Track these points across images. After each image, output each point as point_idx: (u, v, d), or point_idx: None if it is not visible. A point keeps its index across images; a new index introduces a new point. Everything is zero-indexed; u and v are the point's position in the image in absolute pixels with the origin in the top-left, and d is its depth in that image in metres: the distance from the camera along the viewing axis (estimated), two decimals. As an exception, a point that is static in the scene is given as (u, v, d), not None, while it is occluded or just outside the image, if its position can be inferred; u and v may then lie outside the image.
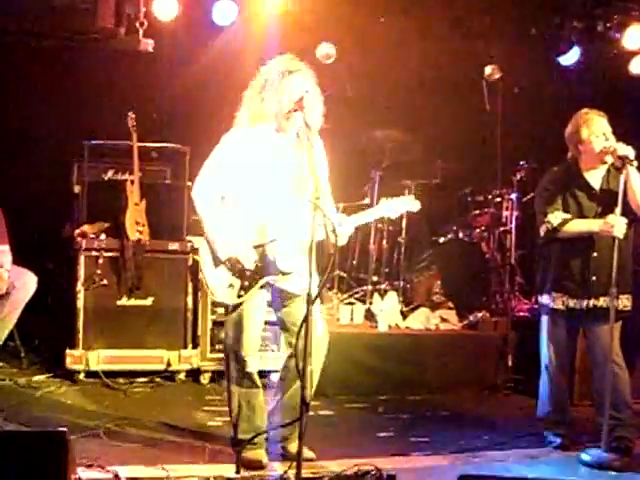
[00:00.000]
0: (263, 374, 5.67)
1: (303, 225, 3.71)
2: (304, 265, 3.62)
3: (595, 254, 4.40)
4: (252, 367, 4.03)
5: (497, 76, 6.88)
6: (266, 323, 4.75)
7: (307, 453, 3.92)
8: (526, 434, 4.77)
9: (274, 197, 3.88)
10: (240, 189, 3.89)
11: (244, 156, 3.89)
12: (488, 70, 6.87)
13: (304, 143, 3.70)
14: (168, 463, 4.04)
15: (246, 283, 3.88)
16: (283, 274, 3.89)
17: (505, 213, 6.70)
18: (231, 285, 3.90)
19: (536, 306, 6.32)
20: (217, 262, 3.91)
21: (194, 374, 5.62)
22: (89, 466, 3.83)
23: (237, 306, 3.93)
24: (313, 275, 3.55)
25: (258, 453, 4.02)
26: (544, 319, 4.61)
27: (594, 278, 4.39)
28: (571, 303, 4.45)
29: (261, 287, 3.93)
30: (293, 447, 3.99)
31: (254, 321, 3.99)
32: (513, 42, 6.86)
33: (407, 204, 4.04)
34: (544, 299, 4.57)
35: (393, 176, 6.65)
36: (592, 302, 4.41)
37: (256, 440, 4.01)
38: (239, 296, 3.91)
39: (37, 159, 6.47)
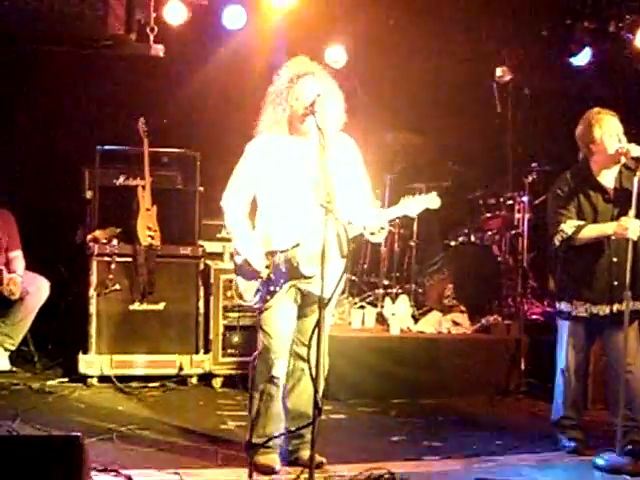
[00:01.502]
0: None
1: (325, 228, 3.68)
2: (328, 269, 3.63)
3: (615, 259, 4.36)
4: (278, 371, 4.00)
5: (508, 78, 6.86)
6: None
7: (317, 458, 3.80)
8: (540, 438, 4.75)
9: (297, 203, 3.91)
10: (265, 196, 3.96)
11: (267, 164, 3.95)
12: (499, 72, 6.85)
13: (320, 146, 3.69)
14: (181, 467, 4.05)
15: (272, 288, 3.93)
16: (305, 278, 3.91)
17: (517, 216, 6.67)
18: (258, 290, 3.97)
19: (549, 309, 6.34)
20: (242, 268, 4.00)
21: (206, 378, 5.63)
22: (103, 470, 3.84)
23: (263, 310, 3.97)
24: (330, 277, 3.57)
25: (271, 458, 4.01)
26: (563, 324, 4.55)
27: (616, 283, 4.35)
28: (594, 309, 4.40)
29: (287, 291, 3.95)
30: (304, 454, 3.98)
31: (282, 325, 3.98)
32: (524, 43, 6.84)
33: (429, 201, 4.06)
34: (564, 306, 4.51)
35: (404, 179, 6.64)
36: (615, 307, 4.37)
37: (270, 444, 3.99)
38: (266, 300, 3.95)
39: (49, 165, 6.51)
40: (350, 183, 3.98)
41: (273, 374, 3.98)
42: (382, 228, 3.98)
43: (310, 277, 3.88)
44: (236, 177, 4.03)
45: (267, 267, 3.94)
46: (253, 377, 4.08)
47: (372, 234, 3.94)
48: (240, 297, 4.09)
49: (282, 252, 3.92)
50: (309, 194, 3.86)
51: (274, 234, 3.94)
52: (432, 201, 4.07)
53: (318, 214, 3.69)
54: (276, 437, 4.01)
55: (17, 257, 5.84)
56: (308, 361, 3.71)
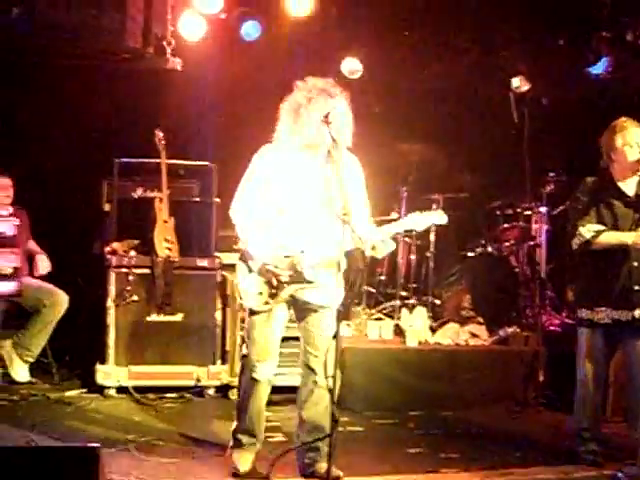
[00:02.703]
0: (290, 389, 5.71)
1: (331, 239, 3.86)
2: (329, 279, 3.87)
3: (635, 263, 4.33)
4: (260, 375, 4.09)
5: (525, 88, 6.85)
6: (293, 339, 4.76)
7: (334, 471, 3.83)
8: (559, 450, 4.70)
9: (304, 211, 3.99)
10: (272, 203, 4.02)
11: (274, 172, 4.01)
12: (516, 82, 6.84)
13: (333, 159, 3.77)
14: (198, 478, 4.06)
15: (274, 291, 3.99)
16: (308, 282, 3.97)
17: (535, 226, 6.64)
18: (260, 293, 4.01)
19: (568, 321, 6.29)
20: (250, 270, 4.03)
21: (223, 390, 5.63)
22: (120, 481, 3.86)
23: (258, 312, 4.03)
24: (340, 291, 3.74)
25: (245, 458, 4.13)
26: (583, 333, 4.51)
27: (637, 287, 4.32)
28: (615, 315, 4.37)
29: (289, 297, 4.01)
30: (321, 467, 4.01)
31: (270, 330, 4.06)
32: (541, 53, 6.83)
33: (435, 218, 4.06)
34: (584, 313, 4.48)
35: (420, 191, 6.64)
36: (637, 312, 4.34)
37: (245, 443, 4.13)
38: (266, 303, 4.01)
39: (67, 178, 6.56)
40: (353, 200, 3.97)
41: (254, 377, 4.08)
42: (382, 241, 3.99)
43: (312, 282, 3.96)
44: (244, 186, 4.08)
45: (286, 272, 3.96)
46: (240, 378, 4.22)
47: (373, 249, 3.94)
48: (240, 298, 4.14)
49: (287, 257, 3.97)
50: (315, 204, 3.96)
51: (280, 240, 3.99)
52: (439, 217, 4.07)
53: (323, 222, 3.88)
54: (255, 437, 4.13)
55: (33, 243, 5.90)
56: (313, 370, 3.93)
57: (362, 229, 3.89)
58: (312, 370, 4.06)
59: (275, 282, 3.96)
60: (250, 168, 4.08)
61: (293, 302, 4.06)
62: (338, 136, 3.87)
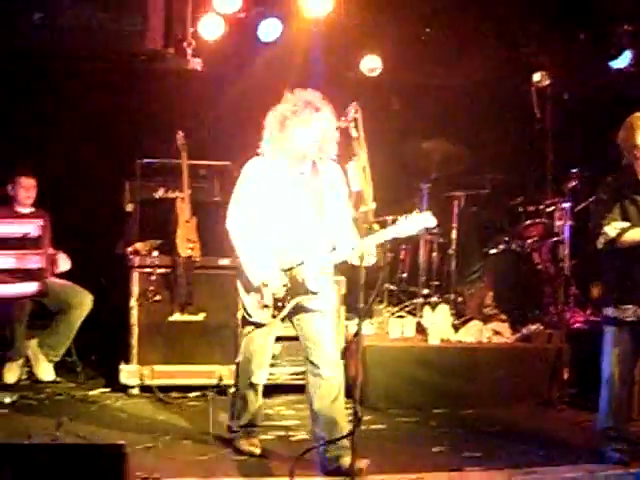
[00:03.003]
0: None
1: (326, 248, 4.13)
2: (327, 284, 4.15)
3: None
4: (258, 379, 4.39)
5: (546, 83, 6.79)
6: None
7: (359, 463, 3.90)
8: (583, 449, 4.67)
9: (296, 223, 4.15)
10: (266, 217, 4.17)
11: (264, 187, 4.16)
12: (537, 77, 6.78)
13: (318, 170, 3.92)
14: (221, 476, 4.08)
15: (279, 304, 4.13)
16: (313, 294, 4.12)
17: (558, 223, 6.58)
18: (265, 306, 4.15)
19: (592, 318, 6.24)
20: (250, 286, 4.16)
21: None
22: (145, 479, 3.89)
23: (260, 325, 4.21)
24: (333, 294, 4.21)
25: (252, 442, 4.43)
26: (609, 332, 4.47)
27: None
28: None
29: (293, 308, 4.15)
30: (345, 461, 4.04)
31: (269, 341, 4.34)
32: (562, 48, 6.77)
33: (424, 221, 4.06)
34: (610, 311, 4.44)
35: (442, 188, 6.61)
36: None
37: (250, 431, 4.44)
38: (274, 316, 4.15)
39: (89, 179, 6.60)
40: (336, 209, 4.19)
41: (252, 381, 4.37)
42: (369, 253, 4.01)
43: (316, 293, 4.11)
44: (236, 199, 4.22)
45: (284, 285, 4.10)
46: (236, 375, 4.49)
47: (360, 258, 3.92)
48: (248, 315, 4.23)
49: (287, 270, 4.11)
50: (306, 214, 4.15)
51: (277, 253, 4.13)
52: (427, 220, 4.07)
53: (316, 232, 4.12)
54: (255, 426, 4.47)
55: (59, 258, 5.95)
56: (315, 365, 4.13)
57: (352, 240, 4.05)
58: (315, 364, 4.17)
59: (276, 297, 4.10)
60: (240, 180, 4.22)
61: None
62: (323, 151, 4.05)
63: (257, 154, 4.26)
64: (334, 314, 4.40)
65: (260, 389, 4.47)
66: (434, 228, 4.12)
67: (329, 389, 4.12)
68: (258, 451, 4.43)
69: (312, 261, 4.09)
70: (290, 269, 4.11)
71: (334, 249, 4.15)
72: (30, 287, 4.85)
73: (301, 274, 4.08)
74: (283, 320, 4.22)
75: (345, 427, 4.07)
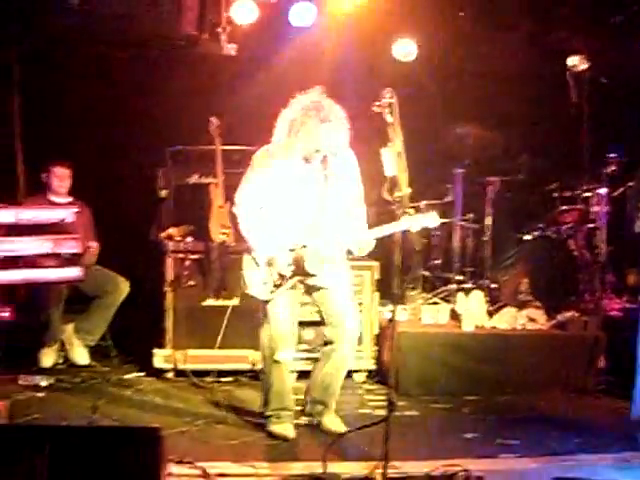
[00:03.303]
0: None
1: (328, 235, 4.38)
2: (329, 266, 4.41)
3: None
4: (281, 356, 4.49)
5: (583, 67, 6.68)
6: None
7: (338, 426, 4.54)
8: (619, 437, 4.62)
9: (302, 211, 4.40)
10: (273, 203, 4.43)
11: (273, 177, 4.41)
12: (573, 61, 6.68)
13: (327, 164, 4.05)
14: (255, 460, 4.11)
15: (278, 282, 4.39)
16: (309, 275, 4.40)
17: (594, 209, 6.49)
18: (265, 283, 4.40)
19: (628, 305, 6.16)
20: (256, 262, 4.41)
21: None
22: (179, 462, 3.93)
23: (267, 301, 4.44)
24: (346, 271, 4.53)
25: (284, 427, 4.50)
26: None
27: None
28: None
29: (292, 287, 4.41)
30: (327, 421, 4.59)
31: (284, 316, 4.46)
32: (598, 31, 6.66)
33: (428, 220, 4.21)
34: None
35: (476, 173, 6.55)
36: None
37: (282, 415, 4.51)
38: (271, 292, 4.40)
39: (124, 165, 6.66)
40: (346, 196, 4.46)
41: (276, 359, 4.48)
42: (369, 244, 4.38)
43: (313, 275, 4.39)
44: (246, 186, 4.46)
45: (289, 265, 4.38)
46: (262, 358, 4.60)
47: (360, 249, 4.38)
48: (246, 287, 4.49)
49: (291, 251, 4.38)
50: (313, 203, 4.40)
51: (283, 235, 4.39)
52: (431, 220, 4.25)
53: (321, 220, 4.37)
54: (289, 410, 4.53)
55: (91, 248, 6.00)
56: (331, 341, 4.50)
57: (357, 228, 4.39)
58: (330, 341, 4.53)
59: (278, 275, 4.35)
60: (251, 168, 4.47)
61: (304, 286, 4.48)
62: (333, 147, 4.31)
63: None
64: (350, 290, 4.64)
65: (287, 369, 4.55)
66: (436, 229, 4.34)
67: (337, 361, 4.54)
68: (291, 435, 4.49)
69: (314, 245, 4.35)
70: (293, 250, 4.38)
71: (341, 235, 4.40)
72: (69, 272, 4.90)
73: (303, 257, 4.35)
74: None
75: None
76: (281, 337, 4.47)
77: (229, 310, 5.48)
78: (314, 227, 4.41)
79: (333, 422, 4.60)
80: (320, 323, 4.67)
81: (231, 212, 5.15)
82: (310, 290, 4.52)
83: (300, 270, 4.39)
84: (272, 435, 4.49)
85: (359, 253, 4.44)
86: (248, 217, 4.44)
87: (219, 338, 5.46)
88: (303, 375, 5.34)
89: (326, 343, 4.60)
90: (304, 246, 4.38)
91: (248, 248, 4.44)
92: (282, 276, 4.38)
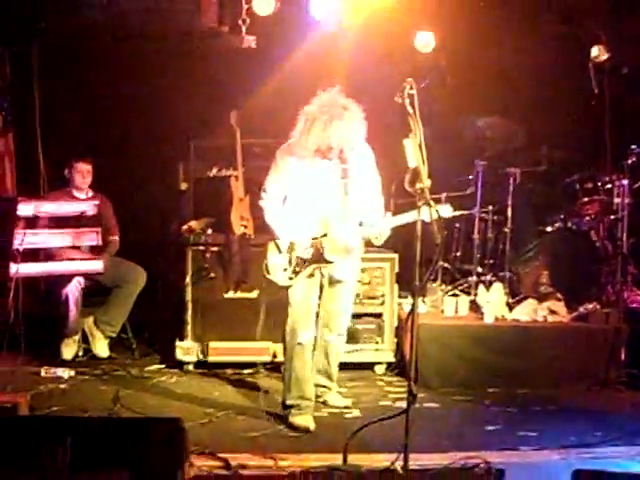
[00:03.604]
0: (366, 365, 5.73)
1: (347, 226, 4.57)
2: (348, 257, 4.65)
3: None
4: (303, 338, 4.62)
5: (604, 57, 6.61)
6: (368, 315, 5.59)
7: (342, 401, 4.99)
8: (640, 430, 4.61)
9: (322, 203, 4.59)
10: (296, 196, 4.63)
11: (296, 172, 4.59)
12: (595, 51, 6.61)
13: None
14: (275, 452, 4.12)
15: (297, 269, 4.57)
16: (327, 262, 4.58)
17: (616, 200, 6.42)
18: (285, 269, 4.59)
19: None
20: (279, 249, 4.61)
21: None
22: (201, 453, 3.95)
23: (288, 287, 4.62)
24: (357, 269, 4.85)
25: (305, 419, 4.56)
26: None
27: None
28: None
29: (310, 274, 4.59)
30: (330, 398, 4.97)
31: (305, 300, 4.62)
32: (620, 21, 6.58)
33: (441, 211, 4.27)
34: None
35: (497, 165, 6.51)
36: None
37: (303, 406, 4.59)
38: (290, 279, 4.59)
39: (144, 159, 6.67)
40: (364, 189, 4.65)
41: (299, 341, 4.61)
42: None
43: (331, 262, 4.58)
44: (271, 179, 4.67)
45: (309, 249, 4.58)
46: (284, 347, 4.73)
47: (375, 238, 4.58)
48: (268, 273, 4.68)
49: (313, 239, 4.57)
50: (333, 196, 4.58)
51: (304, 225, 4.59)
52: (445, 210, 4.41)
53: (341, 212, 4.55)
54: (308, 400, 4.58)
55: (112, 241, 6.04)
56: (329, 328, 4.81)
57: (375, 218, 4.57)
58: (328, 328, 4.81)
59: (298, 260, 4.55)
60: (274, 163, 4.68)
61: (322, 276, 4.65)
62: (346, 143, 4.49)
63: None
64: (355, 285, 4.95)
65: (308, 355, 4.67)
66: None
67: (334, 347, 4.90)
68: (312, 426, 4.53)
69: (334, 235, 4.55)
70: (315, 238, 4.57)
71: (360, 226, 4.60)
72: (90, 265, 4.94)
73: (323, 245, 4.55)
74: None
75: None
76: (301, 320, 4.61)
77: (263, 304, 5.50)
78: (334, 219, 4.58)
79: (336, 399, 5.01)
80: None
81: (255, 204, 5.24)
82: (326, 281, 4.69)
83: (319, 257, 4.57)
84: (293, 427, 4.53)
85: (376, 242, 4.62)
86: (273, 207, 4.63)
87: (258, 329, 5.49)
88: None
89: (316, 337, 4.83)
90: (324, 235, 4.56)
91: (272, 235, 4.64)
92: (302, 261, 4.56)
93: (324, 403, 4.98)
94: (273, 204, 4.64)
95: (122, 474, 2.87)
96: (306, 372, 4.65)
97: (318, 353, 4.90)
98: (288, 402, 4.62)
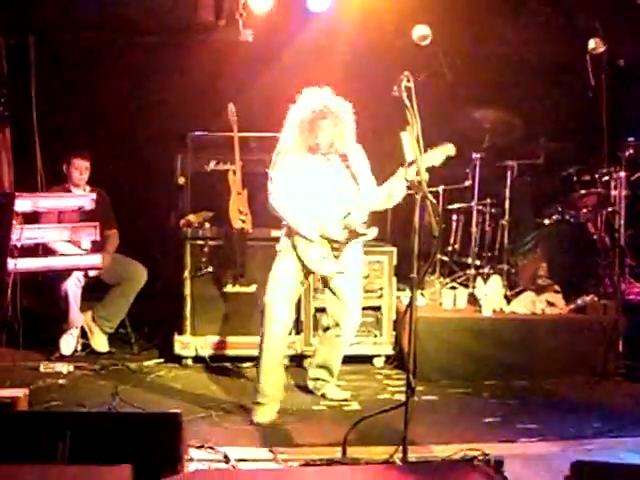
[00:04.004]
0: (364, 358, 5.74)
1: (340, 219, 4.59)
2: (353, 249, 4.69)
3: None
4: (280, 319, 4.63)
5: (601, 49, 6.61)
6: (367, 308, 5.48)
7: (341, 393, 5.01)
8: (638, 421, 4.61)
9: (321, 201, 4.61)
10: (299, 196, 4.63)
11: (294, 168, 4.65)
12: (592, 44, 6.60)
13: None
14: (275, 445, 4.12)
15: (336, 253, 4.60)
16: (361, 235, 4.62)
17: (613, 192, 6.44)
18: (324, 257, 4.58)
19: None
20: (309, 240, 4.57)
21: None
22: (200, 447, 3.95)
23: (340, 273, 4.66)
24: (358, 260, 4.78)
25: (265, 409, 4.58)
26: None
27: None
28: None
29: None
30: (329, 391, 4.99)
31: (286, 280, 4.64)
32: (617, 13, 6.57)
33: (446, 149, 4.37)
34: None
35: (494, 157, 6.51)
36: None
37: (267, 394, 4.60)
38: (334, 264, 4.60)
39: (141, 153, 6.67)
40: (360, 179, 4.69)
41: (274, 323, 4.63)
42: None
43: (365, 235, 4.59)
44: (275, 180, 4.67)
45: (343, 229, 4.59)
46: (260, 349, 4.69)
47: (390, 197, 4.52)
48: (312, 269, 4.68)
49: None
50: (330, 194, 4.62)
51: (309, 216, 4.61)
52: (448, 149, 4.40)
53: (335, 209, 4.57)
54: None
55: (111, 235, 6.03)
56: (338, 325, 4.85)
57: (374, 192, 4.60)
58: (334, 326, 4.85)
59: (336, 243, 4.56)
60: (274, 164, 4.72)
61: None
62: (335, 144, 4.62)
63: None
64: (361, 279, 4.91)
65: (281, 343, 4.70)
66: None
67: (340, 344, 4.91)
68: (273, 417, 4.58)
69: (336, 216, 4.57)
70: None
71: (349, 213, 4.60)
72: (88, 260, 4.94)
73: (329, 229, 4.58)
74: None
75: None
76: (278, 301, 4.64)
77: (261, 298, 5.48)
78: (330, 214, 4.59)
79: (335, 391, 5.02)
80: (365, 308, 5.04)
81: (253, 198, 5.27)
82: (324, 278, 4.77)
83: (354, 233, 4.58)
84: (255, 420, 4.54)
85: (390, 204, 4.60)
86: (284, 203, 4.63)
87: (257, 323, 5.46)
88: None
89: (326, 328, 4.94)
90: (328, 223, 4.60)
91: (294, 234, 4.60)
92: (338, 247, 4.58)
93: (323, 396, 5.01)
94: (282, 198, 4.63)
95: (123, 468, 2.87)
96: (274, 361, 4.64)
97: (324, 348, 4.97)
98: (255, 389, 4.64)
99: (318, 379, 5.02)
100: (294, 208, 4.62)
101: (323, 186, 4.66)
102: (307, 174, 4.66)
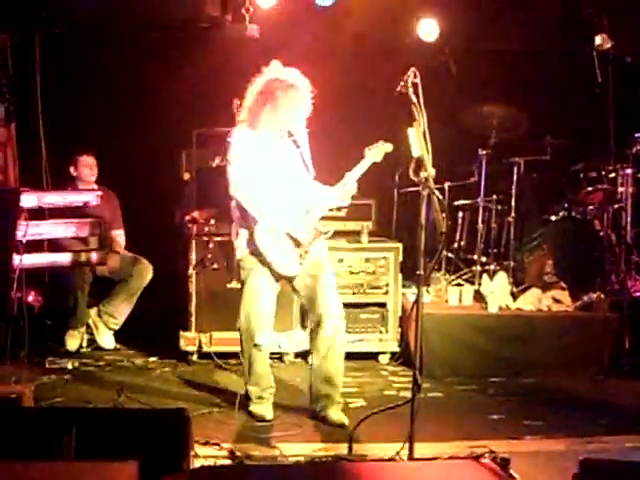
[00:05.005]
0: (370, 355, 5.73)
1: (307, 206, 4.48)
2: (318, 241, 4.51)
3: None
4: (260, 340, 4.54)
5: (608, 46, 6.58)
6: (372, 305, 5.49)
7: (341, 417, 4.44)
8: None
9: (282, 190, 4.43)
10: (260, 179, 4.40)
11: (254, 152, 4.41)
12: (598, 40, 6.57)
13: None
14: (280, 442, 4.13)
15: (302, 252, 4.43)
16: (325, 234, 4.54)
17: (620, 189, 6.41)
18: (291, 260, 4.43)
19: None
20: (274, 243, 4.40)
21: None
22: (205, 443, 3.95)
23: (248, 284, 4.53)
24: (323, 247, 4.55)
25: (263, 408, 4.54)
26: None
27: None
28: None
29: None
30: (331, 414, 4.46)
31: (261, 296, 4.52)
32: (624, 9, 6.55)
33: (385, 147, 4.52)
34: None
35: (501, 153, 6.49)
36: None
37: (263, 396, 4.56)
38: (300, 264, 4.44)
39: (147, 149, 6.65)
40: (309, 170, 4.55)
41: (256, 343, 4.55)
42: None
43: (327, 232, 4.51)
44: (234, 167, 4.41)
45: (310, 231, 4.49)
46: (241, 344, 4.65)
47: (344, 195, 4.50)
48: (276, 267, 4.52)
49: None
50: (291, 183, 4.44)
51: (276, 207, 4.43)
52: (386, 147, 4.55)
53: (299, 200, 4.43)
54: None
55: (119, 235, 6.04)
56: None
57: (322, 189, 4.50)
58: (322, 327, 4.51)
59: (301, 242, 4.41)
60: (232, 149, 4.44)
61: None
62: (293, 124, 4.44)
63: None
64: (331, 273, 4.63)
65: (267, 355, 4.64)
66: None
67: (329, 344, 4.51)
68: (270, 416, 4.53)
69: (299, 217, 4.44)
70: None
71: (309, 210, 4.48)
72: (94, 256, 4.93)
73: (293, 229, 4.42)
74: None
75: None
76: (257, 319, 4.54)
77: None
78: (294, 205, 4.47)
79: (337, 414, 4.47)
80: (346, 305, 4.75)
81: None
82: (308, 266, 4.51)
83: (318, 235, 4.50)
84: (252, 415, 4.54)
85: (344, 201, 4.57)
86: (247, 192, 4.41)
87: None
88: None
89: (311, 331, 4.61)
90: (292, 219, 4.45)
91: (259, 233, 4.41)
92: (303, 245, 4.43)
93: (323, 420, 4.50)
94: (246, 189, 4.38)
95: (130, 464, 2.87)
96: (265, 367, 4.64)
97: (318, 361, 4.54)
98: (248, 393, 4.61)
99: (321, 396, 4.54)
100: (259, 197, 4.37)
101: (283, 172, 4.45)
102: (267, 156, 4.42)
